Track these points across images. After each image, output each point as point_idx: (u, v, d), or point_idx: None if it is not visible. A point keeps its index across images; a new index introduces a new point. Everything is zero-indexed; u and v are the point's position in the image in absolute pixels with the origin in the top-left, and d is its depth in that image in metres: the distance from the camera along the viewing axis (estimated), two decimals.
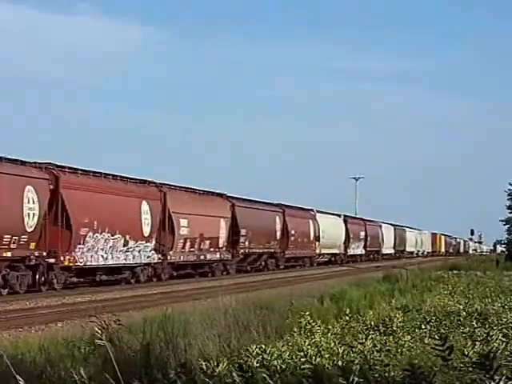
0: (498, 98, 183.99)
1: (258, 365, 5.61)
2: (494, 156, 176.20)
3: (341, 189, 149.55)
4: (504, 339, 11.13)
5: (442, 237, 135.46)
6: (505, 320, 13.56)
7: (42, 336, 14.95)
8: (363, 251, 79.59)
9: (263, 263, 52.76)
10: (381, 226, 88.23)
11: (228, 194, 48.19)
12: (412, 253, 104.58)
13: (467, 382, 5.34)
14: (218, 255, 44.39)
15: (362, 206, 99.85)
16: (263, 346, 7.46)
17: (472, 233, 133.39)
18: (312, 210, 64.65)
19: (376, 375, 5.52)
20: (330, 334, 11.49)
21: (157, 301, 23.39)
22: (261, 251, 51.57)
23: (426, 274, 33.44)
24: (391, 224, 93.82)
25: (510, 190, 65.85)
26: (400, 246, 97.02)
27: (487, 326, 13.12)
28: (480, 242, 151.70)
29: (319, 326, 11.89)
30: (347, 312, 14.69)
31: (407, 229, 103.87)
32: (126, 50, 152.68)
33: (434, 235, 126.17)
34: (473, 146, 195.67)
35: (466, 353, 5.99)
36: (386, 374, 5.56)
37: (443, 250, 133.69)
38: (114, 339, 9.39)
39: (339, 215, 72.58)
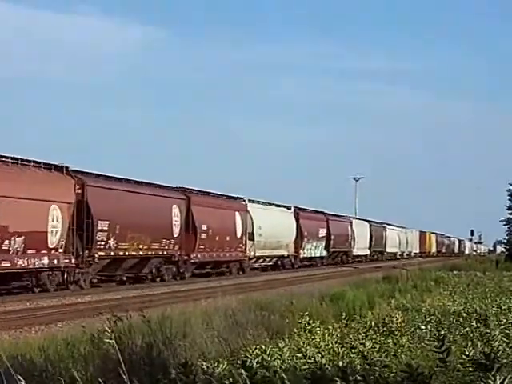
0: (498, 98, 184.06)
1: (257, 365, 5.60)
2: (493, 156, 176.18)
3: (341, 189, 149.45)
4: (504, 339, 11.14)
5: (433, 235, 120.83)
6: (505, 320, 13.55)
7: (41, 336, 14.95)
8: (324, 253, 63.96)
9: (154, 271, 37.25)
10: (351, 222, 73.50)
11: (74, 168, 31.68)
12: (395, 254, 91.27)
13: (467, 383, 5.34)
14: (45, 260, 28.84)
15: (361, 206, 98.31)
16: (263, 347, 7.47)
17: (472, 233, 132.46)
18: (242, 198, 49.76)
19: (376, 376, 5.51)
20: (329, 335, 11.50)
21: (158, 301, 23.37)
22: (143, 254, 35.39)
23: (425, 274, 33.43)
24: (366, 220, 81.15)
25: (510, 190, 65.92)
26: (378, 245, 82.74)
27: (487, 326, 13.12)
28: (480, 243, 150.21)
29: (319, 327, 11.89)
30: (347, 312, 14.69)
31: (388, 226, 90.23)
32: (125, 50, 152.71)
33: (422, 234, 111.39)
34: (473, 146, 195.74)
35: (466, 353, 5.99)
36: (386, 375, 5.55)
37: (434, 250, 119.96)
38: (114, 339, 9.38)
39: (288, 207, 57.85)
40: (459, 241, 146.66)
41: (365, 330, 12.90)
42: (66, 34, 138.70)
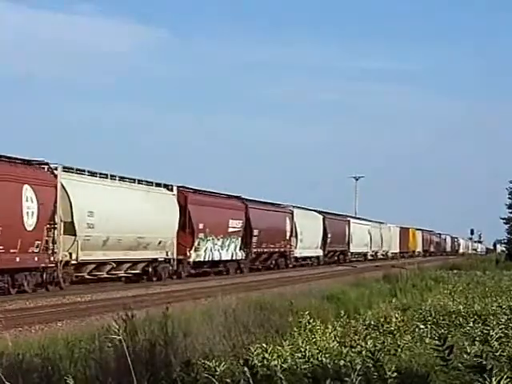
0: (498, 97, 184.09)
1: (259, 364, 5.64)
2: (493, 156, 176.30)
3: (341, 189, 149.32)
4: (504, 339, 11.16)
5: (418, 232, 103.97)
6: (504, 320, 13.58)
7: (41, 336, 14.96)
8: (240, 254, 45.01)
9: None
10: (292, 213, 54.80)
11: None
12: (364, 254, 75.85)
13: (467, 382, 5.36)
14: None
15: (362, 206, 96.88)
16: (264, 346, 7.48)
17: (472, 232, 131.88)
18: (46, 163, 29.23)
19: (375, 375, 5.54)
20: (329, 334, 11.53)
21: (157, 300, 23.38)
22: None
23: (425, 273, 33.48)
24: (318, 211, 62.87)
25: (510, 188, 65.94)
26: (337, 244, 65.69)
27: (487, 325, 13.14)
28: (480, 242, 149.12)
29: (319, 326, 11.91)
30: (347, 312, 14.71)
31: (353, 220, 73.60)
32: (125, 50, 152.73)
33: (404, 230, 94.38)
34: (473, 146, 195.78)
35: (466, 352, 6.02)
36: (386, 376, 5.58)
37: (419, 249, 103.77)
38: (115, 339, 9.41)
39: (168, 186, 38.08)
40: (452, 238, 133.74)
41: (365, 329, 12.92)
42: (66, 34, 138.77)
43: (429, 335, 11.97)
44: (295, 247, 55.07)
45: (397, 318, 13.62)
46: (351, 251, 70.56)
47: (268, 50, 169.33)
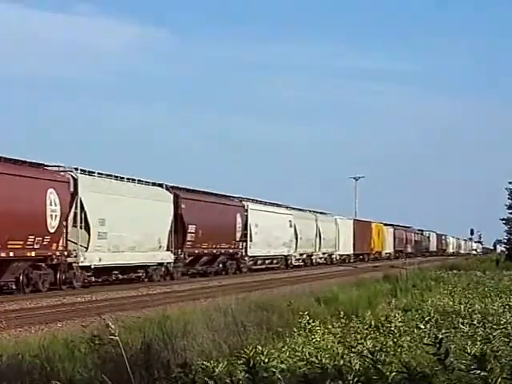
0: (498, 97, 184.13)
1: (257, 365, 5.62)
2: (493, 156, 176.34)
3: (341, 189, 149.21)
4: (504, 339, 11.14)
5: (388, 229, 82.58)
6: (504, 320, 13.56)
7: (41, 336, 14.95)
8: None
9: None
10: (73, 184, 29.31)
11: None
12: (284, 258, 51.77)
13: (466, 382, 5.35)
14: None
15: (362, 206, 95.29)
16: (262, 346, 7.47)
17: (472, 232, 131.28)
18: None
19: (375, 376, 5.52)
20: (329, 334, 11.51)
21: (157, 301, 23.38)
22: None
23: (425, 273, 33.46)
24: (169, 187, 37.44)
25: (510, 189, 65.88)
26: (214, 242, 41.01)
27: (487, 325, 13.12)
28: (480, 242, 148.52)
29: (319, 327, 11.90)
30: (346, 312, 14.70)
31: (253, 205, 47.20)
32: (125, 49, 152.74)
33: (362, 225, 71.33)
34: (473, 145, 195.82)
35: (466, 353, 6.01)
36: (386, 375, 5.56)
37: (390, 249, 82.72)
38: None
39: None
40: (438, 236, 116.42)
41: (365, 329, 12.90)
42: (66, 34, 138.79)
43: (428, 336, 11.95)
44: (86, 249, 29.77)
45: (397, 318, 13.61)
46: (250, 254, 46.03)
47: (267, 50, 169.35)
